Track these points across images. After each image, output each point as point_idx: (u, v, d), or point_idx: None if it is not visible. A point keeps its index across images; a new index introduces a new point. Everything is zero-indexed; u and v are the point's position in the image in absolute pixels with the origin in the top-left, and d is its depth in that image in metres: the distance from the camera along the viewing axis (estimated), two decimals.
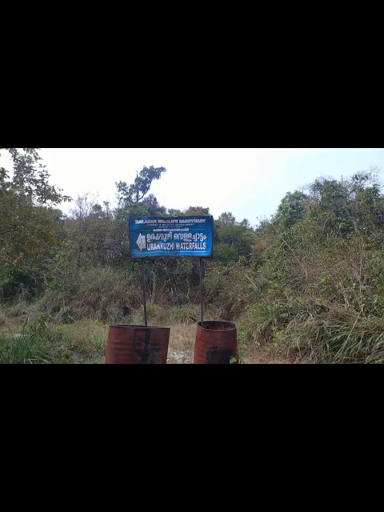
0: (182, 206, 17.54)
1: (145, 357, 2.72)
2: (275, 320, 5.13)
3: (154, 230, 2.99)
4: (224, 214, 16.76)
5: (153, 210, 13.61)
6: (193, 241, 2.95)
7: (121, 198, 14.28)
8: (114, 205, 17.87)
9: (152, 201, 14.90)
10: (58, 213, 14.48)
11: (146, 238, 3.00)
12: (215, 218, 16.85)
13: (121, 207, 13.95)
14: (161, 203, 15.40)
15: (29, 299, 10.11)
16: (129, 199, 14.31)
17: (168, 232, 2.97)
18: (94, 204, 14.62)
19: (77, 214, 13.61)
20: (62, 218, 14.72)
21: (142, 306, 9.83)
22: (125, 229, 11.63)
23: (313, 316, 4.39)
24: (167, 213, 15.59)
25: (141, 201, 14.52)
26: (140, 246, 2.98)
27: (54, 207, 6.51)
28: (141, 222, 3.05)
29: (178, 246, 2.99)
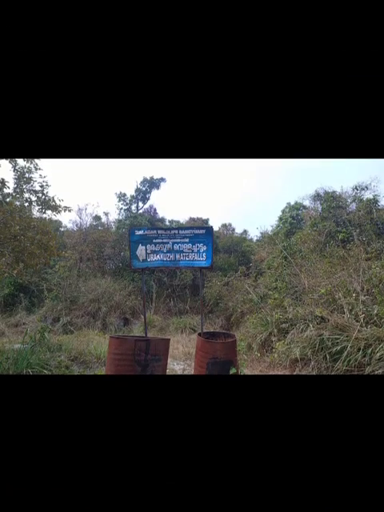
0: (182, 217, 17.66)
1: (145, 367, 2.72)
2: (275, 331, 5.12)
3: (153, 241, 3.01)
4: (224, 225, 16.83)
5: (153, 221, 13.72)
6: (193, 251, 2.95)
7: (121, 208, 14.43)
8: (113, 215, 18.00)
9: (152, 211, 15.03)
10: (58, 223, 14.58)
11: (146, 249, 3.00)
12: (215, 228, 16.93)
13: (121, 218, 14.08)
14: (161, 214, 15.53)
15: (29, 310, 10.09)
16: (129, 210, 14.44)
17: (168, 242, 2.99)
18: (93, 214, 14.74)
19: (77, 225, 13.72)
20: (62, 229, 14.83)
21: (142, 316, 9.82)
22: (125, 239, 11.70)
23: (313, 326, 4.38)
24: (167, 223, 15.69)
25: (141, 211, 14.65)
26: (140, 257, 3.00)
27: (53, 218, 6.58)
28: (141, 232, 3.06)
29: (177, 256, 3.01)
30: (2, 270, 5.01)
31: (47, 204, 5.20)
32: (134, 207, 14.73)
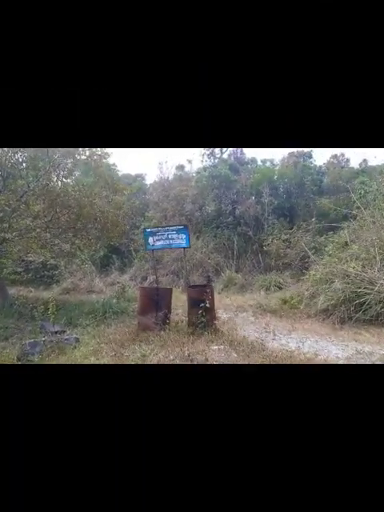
0: (279, 153, 18.56)
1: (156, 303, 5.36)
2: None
3: (157, 234, 6.14)
4: (334, 156, 17.14)
5: (237, 166, 15.75)
6: (178, 238, 6.04)
7: (203, 153, 16.88)
8: (196, 163, 20.32)
9: (238, 153, 16.99)
10: (140, 180, 18.33)
11: (153, 239, 6.20)
12: (323, 160, 17.51)
13: (204, 164, 16.59)
14: (251, 153, 17.32)
15: (121, 270, 14.22)
16: (212, 154, 16.78)
17: (164, 234, 6.08)
18: (176, 165, 17.75)
19: (159, 178, 17.02)
20: (147, 183, 18.56)
21: (223, 274, 12.62)
22: (205, 193, 14.40)
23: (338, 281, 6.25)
24: (259, 163, 17.42)
25: (225, 155, 16.79)
26: (150, 243, 6.17)
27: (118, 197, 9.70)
28: (149, 230, 6.43)
29: (170, 241, 6.09)
30: (90, 243, 8.59)
31: (114, 188, 8.32)
32: (217, 150, 16.95)
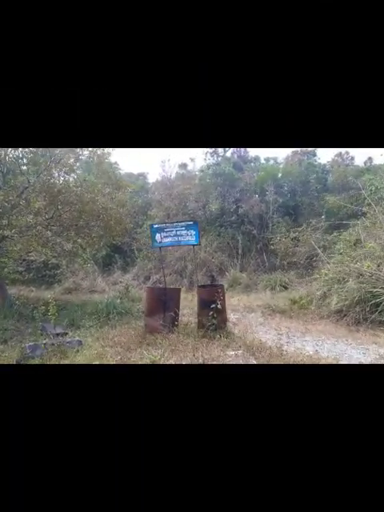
0: (282, 152, 18.19)
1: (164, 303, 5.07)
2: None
3: (165, 230, 5.81)
4: (339, 154, 16.81)
5: (240, 164, 15.46)
6: (187, 235, 5.71)
7: (206, 152, 16.57)
8: (199, 161, 19.93)
9: (242, 151, 16.68)
10: (142, 181, 18.00)
11: (161, 235, 5.85)
12: (327, 158, 17.22)
13: (207, 162, 16.30)
14: (254, 151, 17.04)
15: (124, 269, 13.92)
16: (215, 152, 16.46)
17: (173, 230, 5.76)
18: (179, 163, 17.46)
19: (162, 177, 16.72)
20: (150, 182, 18.24)
21: (227, 273, 12.32)
22: (208, 191, 14.09)
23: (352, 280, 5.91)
24: (263, 161, 17.13)
25: (228, 154, 16.48)
26: (158, 240, 5.89)
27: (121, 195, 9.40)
28: (156, 226, 6.06)
29: (179, 238, 5.76)
30: (93, 242, 8.27)
31: (117, 185, 7.95)
32: (221, 149, 16.64)
